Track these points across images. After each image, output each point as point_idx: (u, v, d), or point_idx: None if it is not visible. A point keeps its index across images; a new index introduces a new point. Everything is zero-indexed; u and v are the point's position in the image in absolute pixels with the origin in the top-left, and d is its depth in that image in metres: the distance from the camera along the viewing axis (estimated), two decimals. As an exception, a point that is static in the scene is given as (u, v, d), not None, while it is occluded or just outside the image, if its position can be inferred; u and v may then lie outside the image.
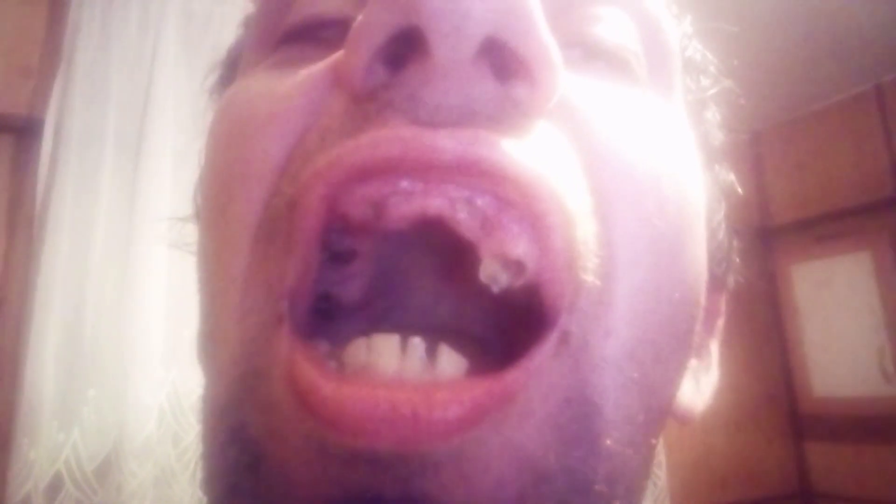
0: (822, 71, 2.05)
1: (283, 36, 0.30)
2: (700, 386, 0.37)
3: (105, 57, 1.22)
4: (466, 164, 0.21)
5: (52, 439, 1.04)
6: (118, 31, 1.25)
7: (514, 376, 0.20)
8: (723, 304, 0.40)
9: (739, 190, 0.41)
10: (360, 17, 0.21)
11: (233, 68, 0.38)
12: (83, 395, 1.08)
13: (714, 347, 0.39)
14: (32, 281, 1.09)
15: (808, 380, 2.16)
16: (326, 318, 0.24)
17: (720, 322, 0.40)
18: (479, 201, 0.21)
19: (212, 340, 0.26)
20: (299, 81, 0.25)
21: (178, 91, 1.26)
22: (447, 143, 0.20)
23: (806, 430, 2.18)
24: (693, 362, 0.35)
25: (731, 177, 0.40)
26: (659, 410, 0.27)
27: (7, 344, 1.10)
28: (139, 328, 1.12)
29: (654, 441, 0.26)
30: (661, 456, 1.73)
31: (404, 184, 0.21)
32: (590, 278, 0.22)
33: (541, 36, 0.21)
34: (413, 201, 0.21)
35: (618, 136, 0.25)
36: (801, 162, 2.29)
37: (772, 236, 2.32)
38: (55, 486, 1.04)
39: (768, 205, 2.36)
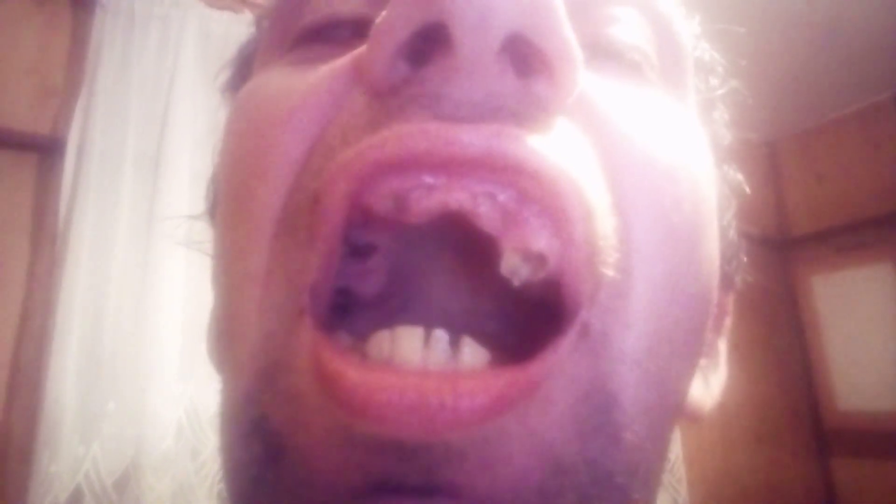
0: (840, 79, 2.03)
1: (299, 35, 0.31)
2: (709, 384, 0.37)
3: (126, 77, 1.25)
4: (490, 158, 0.21)
5: (73, 453, 1.05)
6: (138, 52, 1.27)
7: (536, 368, 0.20)
8: (731, 304, 0.40)
9: (748, 190, 0.42)
10: (383, 13, 0.22)
11: (246, 67, 0.38)
12: (103, 409, 1.10)
13: (722, 346, 0.39)
14: (54, 297, 1.11)
15: (832, 393, 2.13)
16: (345, 312, 0.24)
17: (728, 321, 0.40)
18: (501, 195, 0.22)
19: (229, 335, 0.26)
20: (319, 77, 0.25)
21: (195, 110, 1.28)
22: (471, 137, 0.21)
23: (830, 445, 2.14)
24: (702, 360, 0.35)
25: (740, 176, 0.41)
26: (674, 405, 0.27)
27: (30, 359, 1.12)
28: (157, 343, 1.14)
29: (668, 435, 0.27)
30: (681, 471, 1.70)
31: (427, 178, 0.21)
32: (610, 272, 0.22)
33: (564, 33, 0.22)
34: (435, 195, 0.21)
35: (635, 132, 0.25)
36: (819, 172, 2.27)
37: (791, 248, 2.29)
38: (76, 500, 1.05)
39: (787, 216, 2.34)
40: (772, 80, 1.92)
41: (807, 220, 2.28)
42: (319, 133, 0.24)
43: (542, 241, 0.22)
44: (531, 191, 0.21)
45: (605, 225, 0.23)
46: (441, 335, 0.22)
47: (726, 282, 0.38)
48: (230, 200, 0.28)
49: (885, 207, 2.02)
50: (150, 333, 1.14)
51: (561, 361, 0.21)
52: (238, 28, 1.36)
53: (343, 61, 0.25)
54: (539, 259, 0.22)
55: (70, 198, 1.16)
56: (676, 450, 1.71)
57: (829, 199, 2.21)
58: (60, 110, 1.24)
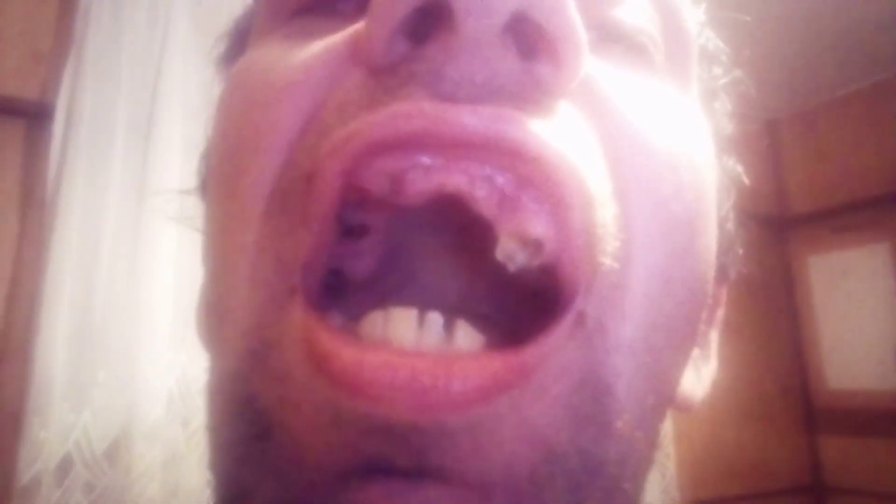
0: (841, 59, 2.01)
1: (297, 6, 0.30)
2: (700, 375, 0.37)
3: (116, 42, 1.23)
4: (490, 141, 0.20)
5: (63, 420, 1.06)
6: (129, 16, 1.25)
7: (530, 353, 0.20)
8: (724, 295, 0.40)
9: (746, 181, 0.41)
10: None
11: (242, 39, 0.37)
12: (93, 376, 1.10)
13: (714, 337, 0.39)
14: (43, 264, 1.10)
15: (823, 372, 2.14)
16: (336, 293, 0.24)
17: (720, 312, 0.40)
18: (499, 179, 0.21)
19: (218, 313, 0.26)
20: (316, 52, 0.25)
21: (187, 76, 1.26)
22: (471, 119, 0.20)
23: (819, 423, 2.16)
24: (695, 351, 0.35)
25: (740, 168, 0.40)
26: (666, 396, 0.27)
27: (20, 326, 1.12)
28: (149, 311, 1.14)
29: (660, 426, 0.27)
30: (669, 447, 1.72)
31: (424, 159, 0.21)
32: (607, 261, 0.22)
33: (569, 15, 0.21)
34: (432, 177, 0.21)
35: (638, 119, 0.25)
36: (819, 150, 2.26)
37: (788, 227, 2.29)
38: (65, 467, 1.05)
39: (785, 194, 2.33)
40: (772, 59, 1.90)
41: (805, 198, 2.27)
42: (315, 110, 0.23)
43: (539, 227, 0.21)
44: (530, 175, 0.21)
45: (604, 213, 0.22)
46: (435, 317, 0.22)
47: (721, 273, 0.37)
48: (221, 175, 0.27)
49: (884, 188, 2.01)
50: (141, 302, 1.14)
51: (555, 349, 0.21)
52: (231, -7, 1.34)
53: (341, 36, 0.24)
54: (536, 245, 0.21)
55: (59, 164, 1.15)
56: (665, 426, 1.72)
57: (829, 178, 2.21)
58: (49, 76, 1.22)
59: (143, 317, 1.13)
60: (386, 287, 0.25)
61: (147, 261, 1.15)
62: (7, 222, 1.17)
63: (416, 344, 0.21)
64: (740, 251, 0.41)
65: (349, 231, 0.23)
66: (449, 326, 0.22)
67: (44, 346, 1.07)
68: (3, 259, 1.15)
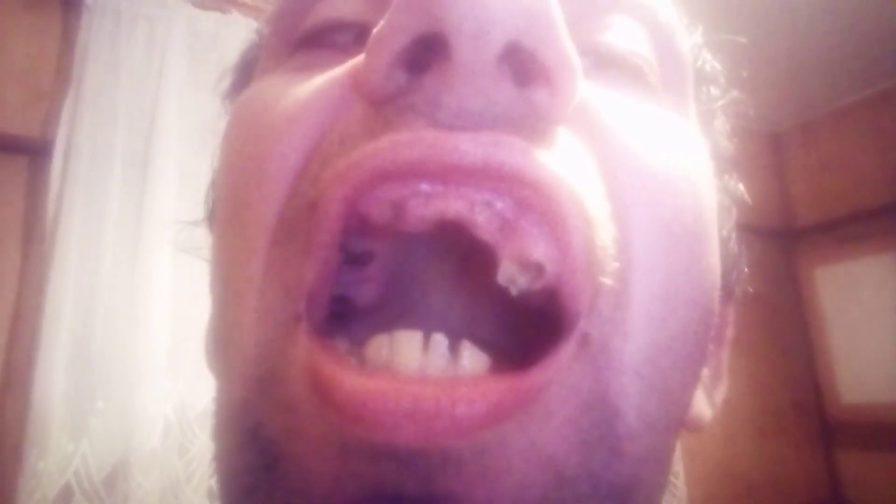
0: (845, 69, 2.00)
1: (301, 40, 0.31)
2: (710, 395, 0.36)
3: (113, 77, 1.26)
4: (488, 167, 0.21)
5: (62, 450, 1.06)
6: (126, 52, 1.28)
7: (536, 376, 0.20)
8: (731, 315, 0.40)
9: (749, 197, 0.41)
10: (381, 21, 0.22)
11: (247, 73, 0.38)
12: (92, 406, 1.11)
13: (723, 358, 0.39)
14: (44, 296, 1.12)
15: (836, 386, 2.10)
16: (342, 320, 0.24)
17: (729, 332, 0.39)
18: (499, 204, 0.21)
19: (226, 343, 0.26)
20: (318, 85, 0.25)
21: (183, 109, 1.29)
22: (469, 146, 0.21)
23: (834, 438, 2.11)
24: (704, 371, 0.35)
25: (741, 185, 0.40)
26: (677, 417, 0.26)
27: (20, 357, 1.14)
28: (146, 341, 1.15)
29: (672, 447, 0.26)
30: (678, 465, 1.69)
31: (424, 186, 0.21)
32: (608, 281, 0.22)
33: (563, 42, 0.22)
34: (432, 204, 0.21)
35: (635, 142, 0.25)
36: (824, 162, 2.24)
37: (795, 239, 2.27)
38: (65, 497, 1.06)
39: (791, 206, 2.31)
40: (776, 70, 1.90)
41: (811, 210, 2.25)
42: (317, 141, 0.24)
43: (539, 251, 0.21)
44: (529, 200, 0.21)
45: (603, 234, 0.23)
46: (440, 339, 0.22)
47: (727, 292, 0.37)
48: (227, 208, 0.28)
49: (890, 197, 1.99)
50: (139, 332, 1.15)
51: (561, 371, 0.21)
52: (226, 28, 1.37)
53: (342, 69, 0.25)
54: (537, 268, 0.22)
55: (58, 198, 1.17)
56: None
57: (834, 189, 2.18)
58: (50, 113, 1.25)
59: (140, 347, 1.15)
60: (392, 311, 0.26)
61: (144, 291, 1.17)
62: (9, 257, 1.19)
63: (421, 367, 0.21)
64: (745, 269, 0.41)
65: (354, 258, 0.24)
66: (454, 349, 0.22)
67: (43, 376, 1.08)
68: (4, 292, 1.17)
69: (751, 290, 0.42)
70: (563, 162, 0.22)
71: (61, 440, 1.07)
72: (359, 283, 0.24)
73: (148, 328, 1.16)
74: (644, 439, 0.23)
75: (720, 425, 1.92)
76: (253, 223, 0.25)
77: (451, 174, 0.21)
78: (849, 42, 1.86)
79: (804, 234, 2.25)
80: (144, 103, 1.27)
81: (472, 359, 0.22)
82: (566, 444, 0.21)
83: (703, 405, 0.35)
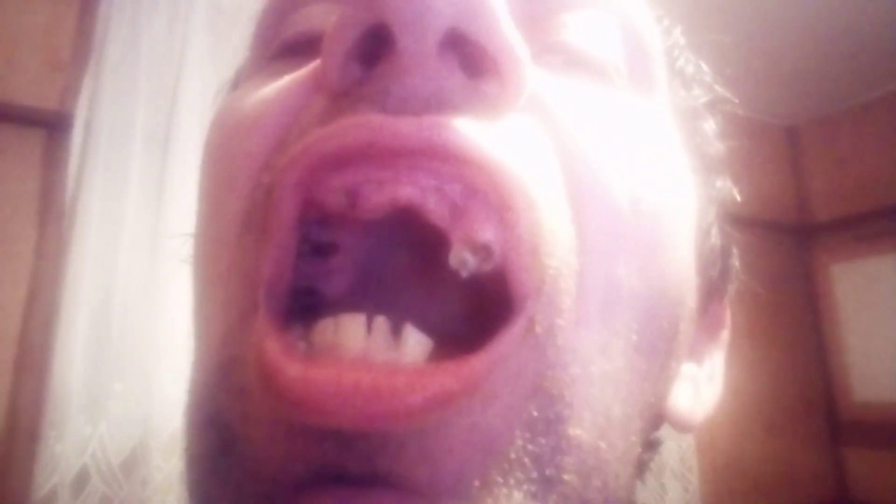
0: (863, 65, 1.98)
1: (276, 51, 0.32)
2: (700, 394, 0.36)
3: (135, 51, 1.22)
4: (430, 148, 0.21)
5: (79, 433, 1.05)
6: (148, 25, 1.25)
7: (479, 361, 0.20)
8: (727, 314, 0.39)
9: (738, 198, 0.40)
10: (333, 20, 0.22)
11: (235, 83, 0.39)
12: (110, 389, 1.09)
13: (719, 357, 0.38)
14: (62, 275, 1.10)
15: (848, 383, 2.10)
16: (311, 311, 0.24)
17: (725, 333, 0.39)
18: (448, 189, 0.22)
19: (198, 334, 0.27)
20: (283, 85, 0.27)
21: (206, 85, 1.26)
22: (412, 128, 0.21)
23: (845, 436, 2.12)
24: (692, 368, 0.35)
25: (728, 184, 0.39)
26: (641, 408, 0.26)
27: (37, 338, 1.11)
28: (165, 323, 1.13)
29: (637, 440, 0.26)
30: (692, 460, 1.69)
31: (376, 172, 0.22)
32: (554, 263, 0.22)
33: (503, 30, 0.22)
34: (384, 190, 0.22)
35: (589, 130, 0.26)
36: (841, 157, 2.23)
37: (811, 234, 2.25)
38: (82, 480, 1.04)
39: (808, 202, 2.30)
40: (794, 66, 1.88)
41: (828, 206, 2.24)
42: (281, 136, 0.25)
43: (487, 233, 0.22)
44: (476, 182, 0.22)
45: (550, 218, 0.23)
46: (382, 322, 0.22)
47: (714, 289, 0.37)
48: (203, 208, 0.29)
49: (909, 195, 1.98)
50: (158, 313, 1.13)
51: (505, 355, 0.21)
52: (248, 1, 1.33)
53: (306, 69, 0.26)
54: (485, 250, 0.22)
55: (78, 174, 1.14)
56: (688, 439, 1.69)
57: (851, 185, 2.17)
58: (68, 85, 1.22)
59: (159, 328, 1.12)
60: (362, 303, 0.25)
61: (164, 271, 1.14)
62: (26, 233, 1.16)
63: (363, 351, 0.21)
64: (737, 265, 0.40)
65: (318, 249, 0.24)
66: (398, 331, 0.22)
67: (61, 358, 1.06)
68: (21, 270, 1.15)
69: (759, 289, 0.41)
70: (510, 145, 0.23)
71: (79, 423, 1.05)
72: (326, 275, 0.25)
73: (168, 310, 1.13)
74: (594, 426, 0.23)
75: (732, 421, 1.91)
76: (224, 219, 0.26)
77: (397, 157, 0.22)
78: (867, 39, 1.84)
79: (821, 230, 2.24)
80: (166, 78, 1.24)
81: (415, 341, 0.22)
82: (509, 428, 0.21)
83: (692, 404, 0.34)
